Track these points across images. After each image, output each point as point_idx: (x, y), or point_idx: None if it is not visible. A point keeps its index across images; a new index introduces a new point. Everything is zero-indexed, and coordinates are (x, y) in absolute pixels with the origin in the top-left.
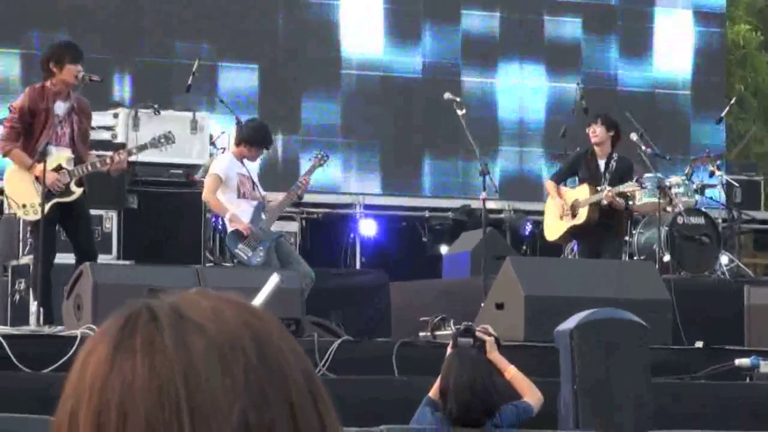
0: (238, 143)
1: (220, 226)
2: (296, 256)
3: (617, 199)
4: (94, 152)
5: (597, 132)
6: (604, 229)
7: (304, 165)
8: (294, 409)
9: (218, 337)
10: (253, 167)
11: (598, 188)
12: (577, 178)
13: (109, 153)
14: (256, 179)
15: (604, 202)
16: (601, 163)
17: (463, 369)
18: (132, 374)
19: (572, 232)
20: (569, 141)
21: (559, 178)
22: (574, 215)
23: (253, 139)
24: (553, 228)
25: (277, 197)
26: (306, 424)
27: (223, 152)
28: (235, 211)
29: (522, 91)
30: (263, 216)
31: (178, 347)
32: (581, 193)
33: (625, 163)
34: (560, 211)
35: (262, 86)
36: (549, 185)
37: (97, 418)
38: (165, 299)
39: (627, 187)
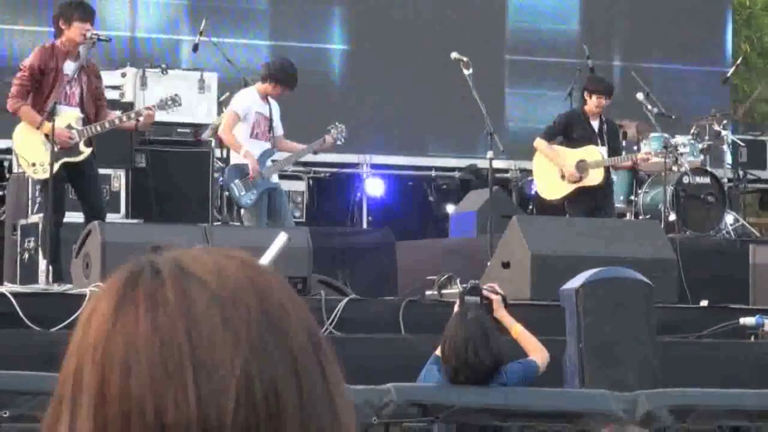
0: (263, 79)
1: (224, 186)
2: (286, 213)
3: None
4: (117, 112)
5: (605, 104)
6: (606, 190)
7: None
8: (296, 362)
9: (220, 291)
10: (276, 108)
11: (600, 149)
12: (561, 138)
13: (118, 112)
14: (276, 120)
15: (627, 163)
16: (595, 124)
17: (457, 334)
18: (134, 329)
19: (579, 192)
20: (574, 101)
21: (550, 138)
22: (581, 176)
23: (277, 76)
24: (554, 187)
25: (294, 146)
26: (308, 377)
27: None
28: (248, 149)
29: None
30: (268, 162)
31: (180, 301)
32: (589, 154)
33: (614, 125)
34: (561, 170)
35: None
36: (542, 144)
37: (101, 373)
38: (168, 255)
39: (655, 155)
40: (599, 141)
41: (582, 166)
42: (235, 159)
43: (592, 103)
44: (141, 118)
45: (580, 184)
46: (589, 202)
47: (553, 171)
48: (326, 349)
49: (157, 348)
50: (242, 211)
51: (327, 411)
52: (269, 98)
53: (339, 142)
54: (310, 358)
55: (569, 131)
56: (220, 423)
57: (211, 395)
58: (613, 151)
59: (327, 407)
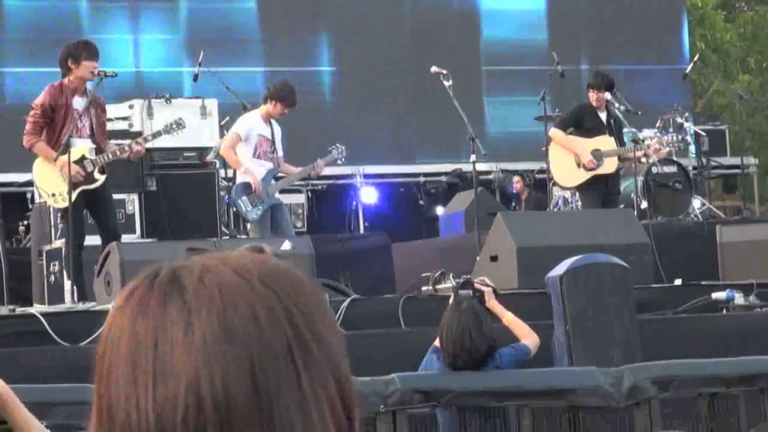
0: (264, 101)
1: (232, 204)
2: (288, 226)
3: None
4: (113, 141)
5: (603, 98)
6: (617, 177)
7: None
8: (255, 368)
9: (193, 299)
10: (278, 130)
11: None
12: (572, 129)
13: (128, 141)
14: (278, 142)
15: (639, 153)
16: (602, 116)
17: (453, 323)
18: (120, 332)
19: (593, 180)
20: (547, 104)
21: (564, 128)
22: (597, 164)
23: (277, 95)
24: (571, 175)
25: (291, 168)
26: (271, 383)
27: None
28: (249, 166)
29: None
30: (272, 181)
31: (156, 308)
32: (604, 143)
33: (619, 118)
34: (578, 158)
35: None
36: (558, 133)
37: (98, 369)
38: (176, 263)
39: (661, 144)
40: (607, 132)
41: (598, 155)
42: (241, 178)
43: (592, 97)
44: (132, 149)
45: (596, 172)
46: (602, 189)
47: (569, 159)
48: (314, 353)
49: (132, 351)
50: (249, 225)
51: (297, 416)
52: (272, 121)
53: (340, 162)
54: (278, 365)
55: (581, 122)
56: (174, 427)
57: (165, 400)
58: (619, 142)
59: (297, 412)
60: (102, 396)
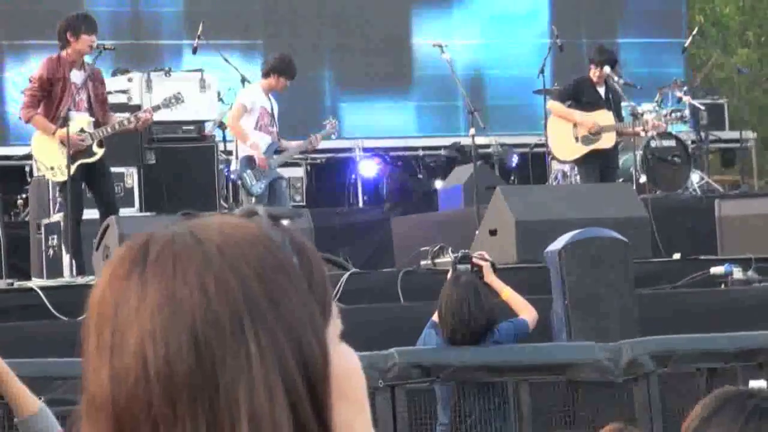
0: (266, 75)
1: (232, 176)
2: (286, 200)
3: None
4: (116, 115)
5: (602, 74)
6: (615, 151)
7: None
8: (199, 344)
9: (150, 271)
10: (275, 105)
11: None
12: (570, 102)
13: (126, 114)
14: (276, 116)
15: (638, 129)
16: (601, 90)
17: (452, 297)
18: (92, 298)
19: (591, 154)
20: (546, 78)
21: (562, 100)
22: (595, 138)
23: (278, 68)
24: (569, 149)
25: (289, 143)
26: (216, 357)
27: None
28: (254, 139)
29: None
30: (274, 155)
31: (120, 279)
32: (603, 117)
33: (618, 93)
34: (577, 132)
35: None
36: (557, 105)
37: (98, 336)
38: (162, 230)
39: (658, 119)
40: (606, 106)
41: (598, 129)
42: (243, 151)
43: (594, 72)
44: (140, 118)
45: (594, 147)
46: (600, 163)
47: (567, 133)
48: (270, 323)
49: (98, 323)
50: (252, 199)
51: (243, 388)
52: (270, 95)
53: (333, 137)
54: (224, 337)
55: (579, 95)
56: (127, 399)
57: (118, 372)
58: (617, 116)
59: (243, 384)
60: (83, 363)
